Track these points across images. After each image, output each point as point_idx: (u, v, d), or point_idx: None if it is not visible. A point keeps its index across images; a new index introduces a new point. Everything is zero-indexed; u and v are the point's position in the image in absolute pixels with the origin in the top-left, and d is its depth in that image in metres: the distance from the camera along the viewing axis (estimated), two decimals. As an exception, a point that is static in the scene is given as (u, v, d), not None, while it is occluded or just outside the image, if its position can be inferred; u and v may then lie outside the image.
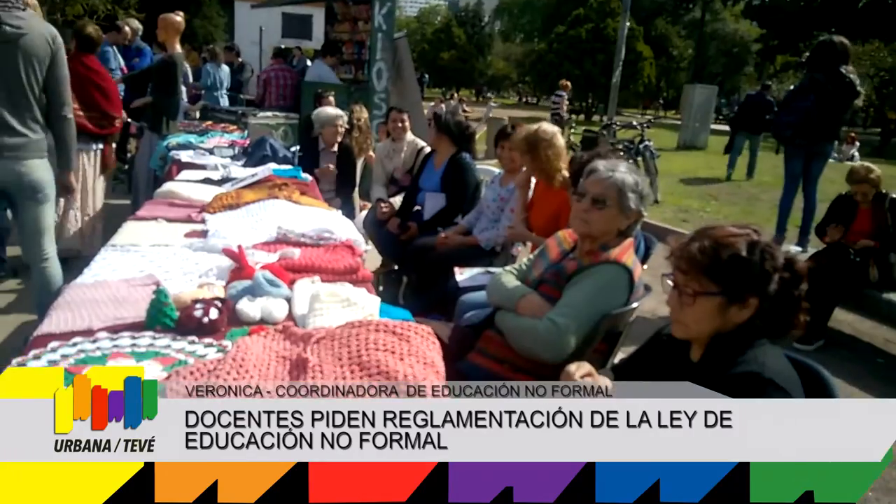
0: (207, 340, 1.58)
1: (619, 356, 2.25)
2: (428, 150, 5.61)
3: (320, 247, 2.33)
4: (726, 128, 16.42)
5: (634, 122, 10.92)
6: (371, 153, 6.24)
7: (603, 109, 32.10)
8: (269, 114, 8.02)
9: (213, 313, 1.62)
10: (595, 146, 8.43)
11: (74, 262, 3.98)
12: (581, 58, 29.58)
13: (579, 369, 1.51)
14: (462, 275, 3.47)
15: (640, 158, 8.69)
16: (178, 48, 5.87)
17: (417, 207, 4.75)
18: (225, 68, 9.50)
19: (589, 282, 2.09)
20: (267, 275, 1.82)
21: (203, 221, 2.68)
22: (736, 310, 1.47)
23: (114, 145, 5.46)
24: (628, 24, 16.81)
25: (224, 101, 9.34)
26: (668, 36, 39.82)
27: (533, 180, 3.69)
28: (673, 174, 10.70)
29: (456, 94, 28.48)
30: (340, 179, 5.20)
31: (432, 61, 43.17)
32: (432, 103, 18.40)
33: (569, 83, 17.50)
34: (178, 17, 5.96)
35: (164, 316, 1.61)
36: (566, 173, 3.41)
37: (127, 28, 7.76)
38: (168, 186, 3.26)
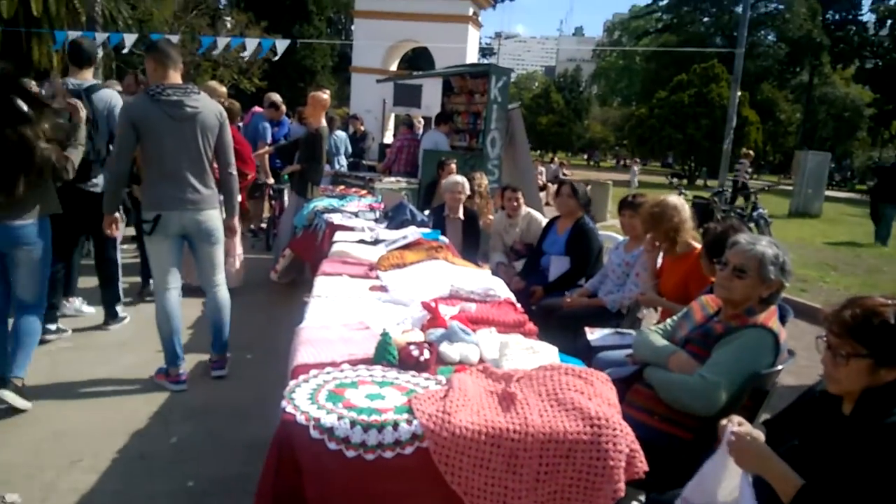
0: (425, 375, 1.94)
1: (764, 415, 2.43)
2: (542, 220, 5.95)
3: (487, 302, 2.68)
4: (840, 194, 15.98)
5: (746, 184, 10.91)
6: (490, 217, 6.65)
7: (707, 174, 31.66)
8: (393, 179, 8.68)
9: (426, 354, 1.99)
10: (707, 213, 8.52)
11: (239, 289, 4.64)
12: (684, 122, 29.49)
13: (733, 421, 1.74)
14: (593, 334, 3.73)
15: (753, 226, 8.69)
16: (324, 122, 6.59)
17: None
18: (341, 134, 10.21)
19: (738, 343, 2.32)
20: (459, 325, 2.18)
21: (378, 278, 3.11)
22: (886, 371, 1.67)
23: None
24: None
25: (343, 166, 10.06)
26: (774, 100, 39.06)
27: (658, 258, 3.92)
28: (787, 242, 10.50)
29: (556, 158, 28.95)
30: (466, 243, 5.59)
31: (531, 126, 44.09)
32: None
33: (751, 152, 17.97)
34: (325, 95, 6.70)
35: (389, 354, 1.99)
36: (694, 242, 3.64)
37: (283, 106, 8.66)
38: (339, 247, 3.75)
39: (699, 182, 30.71)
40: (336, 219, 5.21)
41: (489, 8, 16.96)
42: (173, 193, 3.60)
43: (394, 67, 16.69)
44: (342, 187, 7.53)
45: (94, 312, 5.02)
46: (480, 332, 2.25)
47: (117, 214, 3.86)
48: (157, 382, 3.84)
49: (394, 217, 5.26)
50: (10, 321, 3.51)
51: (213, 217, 3.76)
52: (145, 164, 3.67)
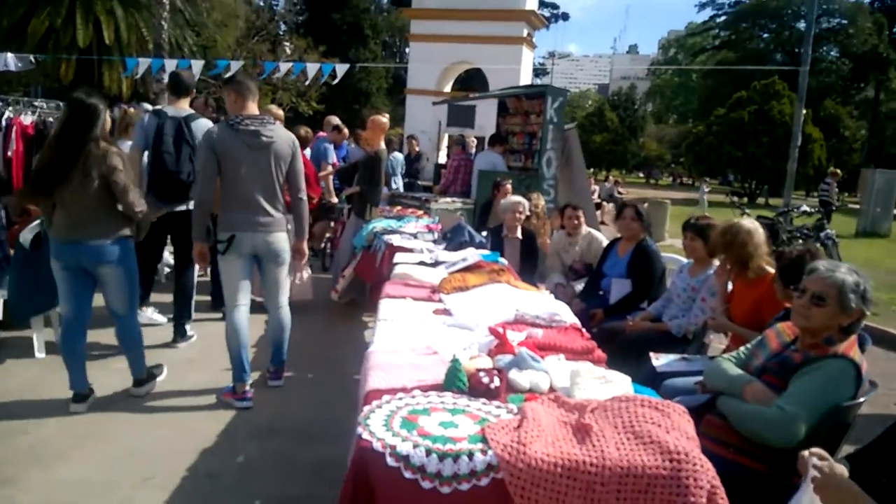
0: (496, 403, 1.93)
1: (845, 449, 2.32)
2: (602, 240, 5.88)
3: (553, 328, 2.66)
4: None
5: (807, 208, 10.54)
6: (546, 239, 6.61)
7: (768, 192, 30.76)
8: (449, 199, 8.73)
9: (496, 381, 1.97)
10: (772, 233, 8.27)
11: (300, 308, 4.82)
12: (744, 140, 28.78)
13: (815, 455, 1.67)
14: (658, 360, 3.64)
15: (820, 246, 8.38)
16: (382, 144, 6.69)
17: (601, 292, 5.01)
18: (398, 156, 10.33)
19: (818, 374, 2.23)
20: (528, 351, 2.17)
21: (441, 301, 3.12)
22: None
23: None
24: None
25: (399, 186, 10.17)
26: (838, 116, 37.75)
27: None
28: (856, 264, 10.07)
29: (610, 176, 28.61)
30: (524, 264, 5.57)
31: (584, 144, 43.76)
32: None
33: (838, 171, 17.80)
34: (384, 119, 6.81)
35: (459, 381, 1.98)
36: (767, 266, 3.53)
37: (345, 130, 8.83)
38: (401, 269, 3.79)
39: (760, 201, 29.86)
40: (395, 240, 5.26)
41: (543, 28, 16.98)
42: (246, 216, 3.79)
43: (448, 88, 16.84)
44: (399, 208, 7.61)
45: (164, 322, 5.21)
46: (549, 359, 2.22)
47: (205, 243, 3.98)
48: (224, 401, 3.95)
49: (452, 238, 5.28)
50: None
51: (282, 239, 3.93)
52: (222, 188, 3.85)
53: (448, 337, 2.52)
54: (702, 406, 2.61)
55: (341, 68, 9.97)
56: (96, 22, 21.20)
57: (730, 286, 3.80)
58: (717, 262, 4.09)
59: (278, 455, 3.31)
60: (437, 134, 15.55)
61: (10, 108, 6.51)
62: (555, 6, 39.15)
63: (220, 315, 5.65)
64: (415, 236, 5.50)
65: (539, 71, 49.16)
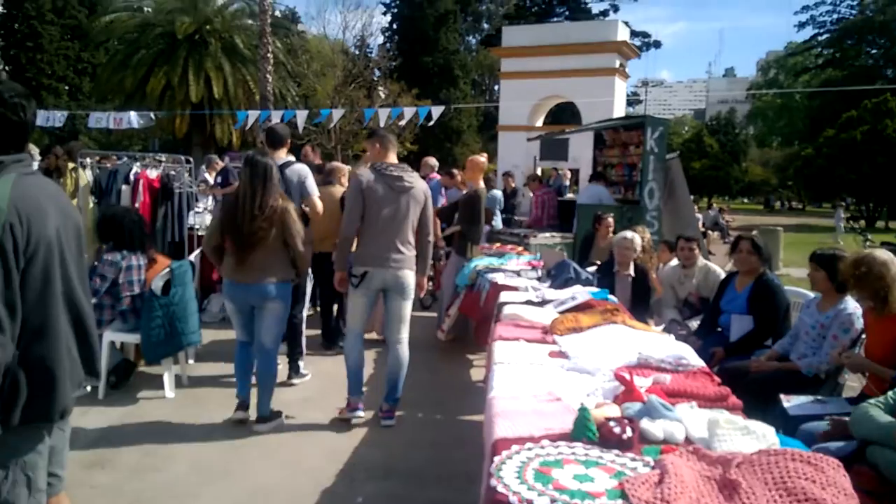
0: (630, 455, 1.85)
1: None
2: (719, 272, 5.63)
3: (680, 372, 2.54)
4: None
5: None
6: (654, 274, 6.40)
7: (887, 215, 28.67)
8: (548, 234, 8.66)
9: (629, 431, 1.90)
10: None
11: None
12: (857, 161, 27.06)
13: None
14: (790, 402, 3.41)
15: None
16: (482, 184, 6.74)
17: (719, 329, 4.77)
18: (497, 193, 10.29)
19: None
20: (658, 398, 2.08)
21: (555, 343, 3.06)
22: None
23: None
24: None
25: (498, 222, 10.16)
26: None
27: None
28: None
29: (713, 203, 27.59)
30: (635, 302, 5.39)
31: (684, 171, 42.49)
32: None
33: None
34: (482, 159, 6.88)
35: (588, 430, 1.93)
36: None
37: (459, 176, 8.77)
38: (510, 310, 3.76)
39: (879, 224, 27.83)
40: (499, 278, 5.25)
41: (635, 58, 16.74)
42: (380, 254, 4.17)
43: (540, 123, 16.84)
44: (498, 244, 7.61)
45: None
46: (681, 407, 2.12)
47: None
48: (338, 417, 4.31)
49: (557, 275, 5.20)
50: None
51: (410, 276, 4.28)
52: (363, 227, 4.22)
53: (569, 382, 2.47)
54: (849, 455, 2.41)
55: (436, 110, 10.21)
56: (207, 78, 22.82)
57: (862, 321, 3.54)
58: (848, 297, 3.82)
59: (395, 497, 3.33)
60: (530, 168, 15.55)
61: (138, 163, 7.04)
62: (646, 35, 38.60)
63: (332, 352, 5.89)
64: (518, 274, 5.47)
65: (632, 99, 48.38)
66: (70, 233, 2.00)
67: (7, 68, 40.23)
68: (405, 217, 4.20)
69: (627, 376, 2.28)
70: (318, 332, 6.15)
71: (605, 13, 35.74)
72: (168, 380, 4.75)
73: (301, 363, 5.25)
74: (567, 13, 35.19)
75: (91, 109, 32.36)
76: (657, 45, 39.37)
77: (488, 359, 3.10)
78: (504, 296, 4.58)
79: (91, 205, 6.94)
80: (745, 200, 51.04)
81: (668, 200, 9.07)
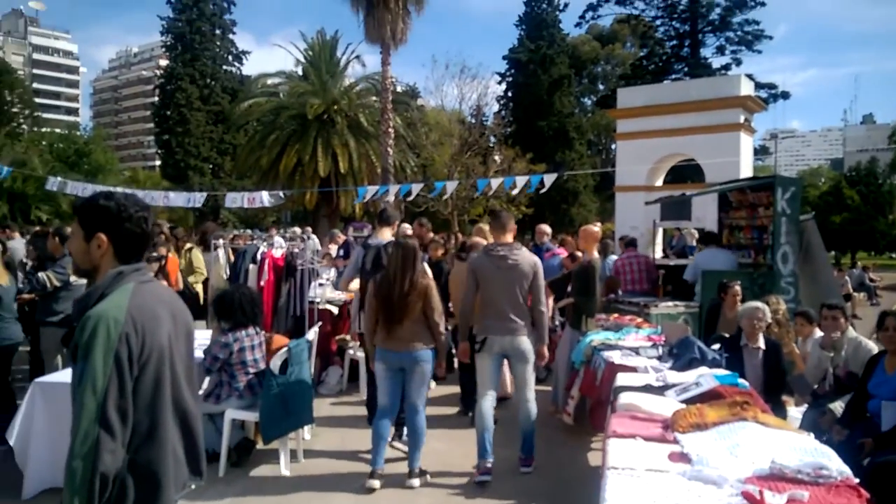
0: None
1: None
2: (871, 347, 5.05)
3: (820, 485, 2.23)
4: None
5: None
6: (793, 348, 5.86)
7: None
8: (670, 303, 8.18)
9: (760, 568, 1.66)
10: None
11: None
12: None
13: None
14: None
15: None
16: (596, 255, 6.54)
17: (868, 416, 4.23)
18: (613, 259, 9.85)
19: None
20: (796, 525, 1.81)
21: (677, 441, 2.80)
22: None
23: None
24: None
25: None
26: None
27: None
28: None
29: (857, 261, 25.38)
30: (768, 381, 4.93)
31: (822, 226, 39.45)
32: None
33: None
34: (596, 228, 6.72)
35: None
36: None
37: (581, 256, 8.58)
38: (627, 399, 3.52)
39: None
40: (615, 357, 4.98)
41: (762, 111, 15.97)
42: (496, 323, 4.75)
43: (659, 182, 16.32)
44: (616, 315, 7.27)
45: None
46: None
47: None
48: (475, 479, 4.72)
49: (679, 354, 4.86)
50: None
51: (525, 342, 4.79)
52: (480, 300, 4.82)
53: (692, 496, 2.21)
54: None
55: (549, 178, 10.16)
56: (334, 154, 24.24)
57: None
58: None
59: None
60: (650, 230, 15.01)
61: (265, 244, 7.47)
62: (772, 86, 36.83)
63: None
64: (636, 351, 5.16)
65: (760, 152, 46.00)
66: (181, 336, 2.08)
67: (160, 151, 44.93)
68: (514, 290, 4.73)
69: (757, 493, 2.02)
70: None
71: (726, 67, 34.54)
72: (284, 457, 4.84)
73: (405, 428, 5.34)
74: (686, 69, 34.37)
75: (231, 187, 35.30)
76: (785, 95, 37.39)
77: (604, 455, 2.88)
78: (621, 378, 4.33)
79: (224, 283, 7.41)
80: (893, 256, 46.39)
81: (804, 265, 8.38)
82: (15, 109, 49.85)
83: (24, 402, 4.36)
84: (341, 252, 11.15)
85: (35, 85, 72.59)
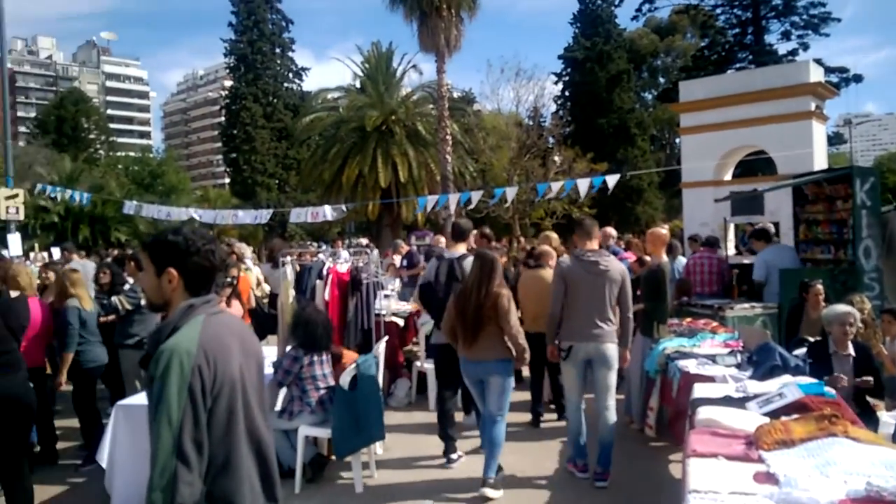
0: None
1: None
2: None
3: (926, 510, 2.07)
4: None
5: None
6: (882, 349, 5.53)
7: None
8: (746, 305, 7.84)
9: None
10: None
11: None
12: None
13: None
14: None
15: None
16: (665, 257, 6.35)
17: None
18: (684, 261, 9.46)
19: None
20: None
21: (761, 460, 2.67)
22: None
23: None
24: None
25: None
26: None
27: None
28: None
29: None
30: (859, 389, 4.65)
31: (905, 215, 37.31)
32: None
33: None
34: (664, 231, 6.52)
35: None
36: None
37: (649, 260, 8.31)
38: (706, 413, 3.38)
39: None
40: (691, 367, 4.81)
41: (833, 98, 15.22)
42: (582, 329, 4.78)
43: (728, 176, 15.73)
44: (689, 319, 7.02)
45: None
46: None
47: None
48: (568, 469, 5.05)
49: (759, 362, 4.65)
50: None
51: (611, 348, 4.81)
52: (567, 306, 4.84)
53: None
54: None
55: (612, 179, 9.92)
56: (393, 164, 24.51)
57: None
58: None
59: None
60: (721, 226, 14.50)
61: (330, 259, 7.58)
62: (843, 70, 34.98)
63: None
64: (713, 360, 4.97)
65: (834, 139, 43.77)
66: (251, 366, 2.11)
67: (228, 170, 46.50)
68: (603, 296, 4.77)
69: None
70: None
71: (793, 53, 33.05)
72: (357, 475, 4.88)
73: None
74: (750, 58, 33.11)
75: (297, 200, 36.17)
76: (858, 79, 35.37)
77: (684, 476, 2.76)
78: (698, 389, 4.17)
79: (291, 300, 7.55)
80: None
81: (888, 259, 7.93)
82: (91, 136, 52.67)
83: (109, 425, 4.54)
84: (405, 262, 11.23)
85: (109, 111, 76.35)
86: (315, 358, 5.11)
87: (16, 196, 12.02)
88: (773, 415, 3.31)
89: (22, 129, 65.42)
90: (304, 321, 5.15)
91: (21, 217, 12.77)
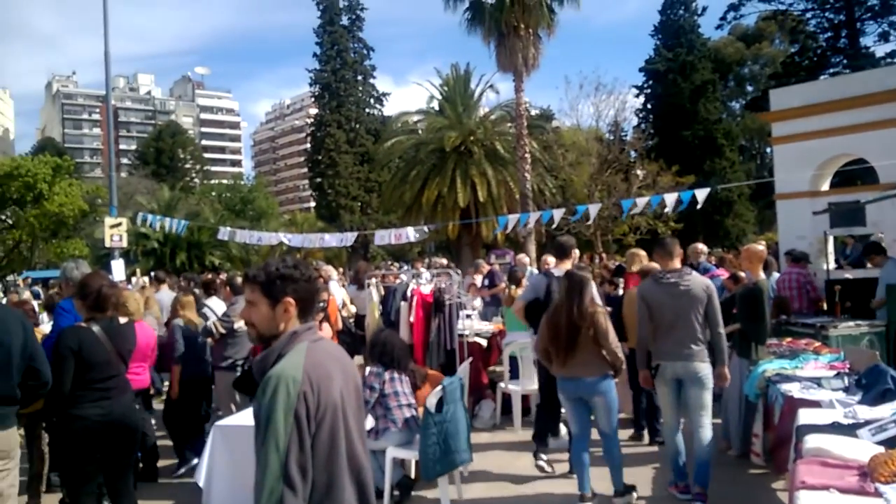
0: None
1: None
2: None
3: None
4: None
5: None
6: None
7: None
8: (851, 323, 7.37)
9: None
10: None
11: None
12: None
13: None
14: None
15: None
16: (762, 275, 6.05)
17: None
18: (774, 276, 8.95)
19: None
20: None
21: (878, 493, 2.48)
22: None
23: None
24: None
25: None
26: None
27: None
28: None
29: None
30: None
31: None
32: None
33: None
34: (760, 247, 6.23)
35: None
36: None
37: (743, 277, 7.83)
38: (816, 442, 3.18)
39: None
40: (794, 390, 4.55)
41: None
42: (669, 349, 4.74)
43: (825, 186, 14.90)
44: (789, 339, 6.65)
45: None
46: None
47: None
48: (669, 491, 4.95)
49: (869, 385, 4.35)
50: None
51: (701, 367, 4.70)
52: (654, 327, 4.81)
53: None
54: None
55: (701, 193, 9.54)
56: (472, 184, 24.63)
57: None
58: None
59: None
60: (819, 239, 13.73)
61: (413, 280, 7.68)
62: (952, 66, 32.58)
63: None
64: (818, 383, 4.68)
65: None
66: (351, 392, 2.16)
67: (314, 194, 48.15)
68: (688, 316, 4.69)
69: None
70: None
71: (892, 55, 31.07)
72: (444, 498, 4.86)
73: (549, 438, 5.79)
74: (845, 62, 31.36)
75: (378, 222, 36.96)
76: (967, 77, 32.78)
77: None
78: (803, 414, 3.94)
79: (377, 320, 7.69)
80: None
81: None
82: (188, 165, 55.87)
83: (206, 445, 4.73)
84: (486, 282, 11.21)
85: (203, 142, 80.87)
86: (395, 375, 5.19)
87: (119, 224, 12.80)
88: (888, 443, 3.07)
89: (124, 160, 69.98)
90: (382, 342, 5.29)
91: (124, 244, 13.60)
